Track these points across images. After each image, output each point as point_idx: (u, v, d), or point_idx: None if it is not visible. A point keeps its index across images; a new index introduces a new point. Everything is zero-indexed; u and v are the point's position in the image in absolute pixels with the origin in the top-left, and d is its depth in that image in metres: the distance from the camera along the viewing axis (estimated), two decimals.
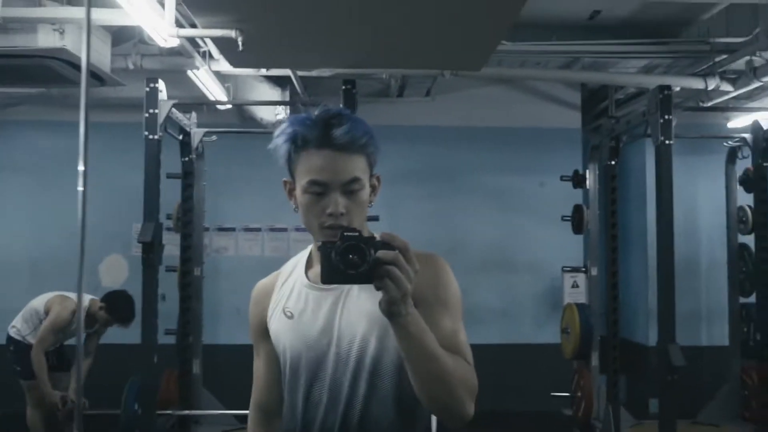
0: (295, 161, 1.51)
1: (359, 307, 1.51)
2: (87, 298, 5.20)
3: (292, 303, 1.58)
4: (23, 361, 5.14)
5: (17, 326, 5.22)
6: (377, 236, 1.33)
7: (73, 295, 5.22)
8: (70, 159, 6.75)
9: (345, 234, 1.31)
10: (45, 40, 4.15)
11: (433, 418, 1.58)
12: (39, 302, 5.22)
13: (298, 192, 1.52)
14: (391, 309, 1.29)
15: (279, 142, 1.52)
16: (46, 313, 5.13)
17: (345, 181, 1.48)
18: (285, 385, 1.58)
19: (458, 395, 1.38)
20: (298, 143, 1.49)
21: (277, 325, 1.60)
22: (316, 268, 1.57)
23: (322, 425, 1.51)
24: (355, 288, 1.52)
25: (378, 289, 1.29)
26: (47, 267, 6.75)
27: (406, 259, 1.29)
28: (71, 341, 5.33)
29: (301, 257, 1.65)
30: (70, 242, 6.79)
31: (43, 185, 6.89)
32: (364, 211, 1.53)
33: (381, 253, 1.28)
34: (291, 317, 1.57)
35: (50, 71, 4.53)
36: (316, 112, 1.51)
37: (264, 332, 1.65)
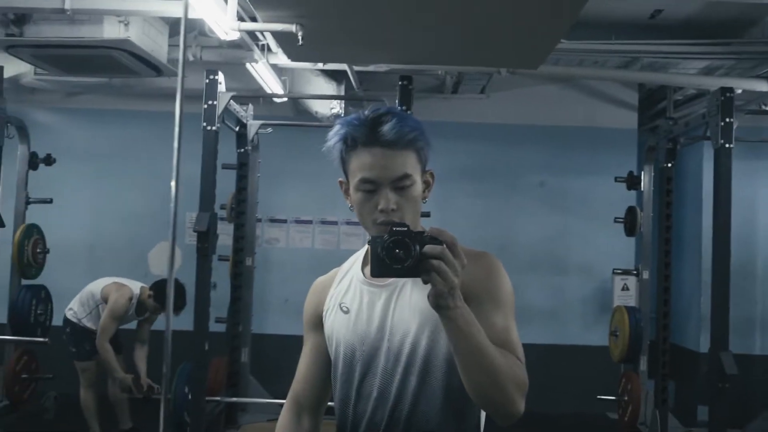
0: (347, 161, 1.54)
1: (412, 302, 1.52)
2: (137, 286, 5.32)
3: (349, 299, 1.61)
4: (78, 342, 5.29)
5: (74, 309, 5.36)
6: (427, 231, 1.35)
7: (128, 282, 5.34)
8: (128, 147, 7.01)
9: (393, 229, 1.33)
10: (110, 31, 4.26)
11: (482, 415, 1.58)
12: (96, 287, 5.35)
13: (351, 190, 1.55)
14: (438, 302, 1.31)
15: (331, 143, 1.56)
16: (103, 298, 5.25)
17: (395, 177, 1.50)
18: (338, 379, 1.60)
19: (508, 391, 1.38)
20: (348, 143, 1.53)
21: (332, 319, 1.62)
22: None
23: (371, 418, 1.53)
24: (408, 284, 1.53)
25: (425, 282, 1.31)
26: (104, 252, 6.92)
27: (453, 253, 1.31)
28: (125, 326, 5.46)
29: (360, 254, 1.68)
30: (126, 228, 7.05)
31: (101, 173, 7.05)
32: (417, 207, 1.55)
33: (428, 248, 1.30)
34: (347, 312, 1.59)
35: (114, 62, 4.65)
36: (366, 112, 1.54)
37: (316, 325, 1.68)
